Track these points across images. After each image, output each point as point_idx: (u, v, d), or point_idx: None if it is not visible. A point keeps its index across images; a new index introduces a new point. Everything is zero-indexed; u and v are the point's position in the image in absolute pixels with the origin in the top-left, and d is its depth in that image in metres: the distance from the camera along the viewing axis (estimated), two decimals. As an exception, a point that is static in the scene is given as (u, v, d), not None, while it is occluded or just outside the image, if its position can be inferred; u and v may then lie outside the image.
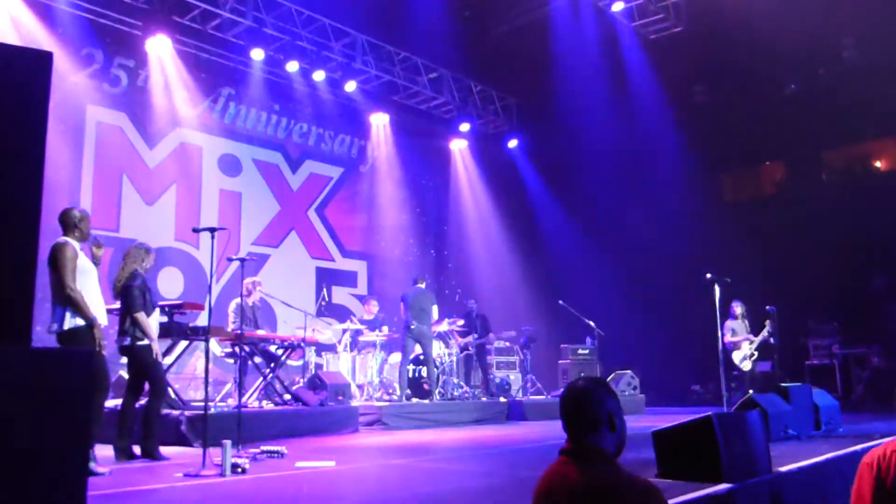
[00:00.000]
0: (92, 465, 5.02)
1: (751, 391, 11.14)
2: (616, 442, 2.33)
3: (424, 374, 10.65)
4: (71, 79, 10.88)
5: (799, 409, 6.74)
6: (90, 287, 5.50)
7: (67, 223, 5.53)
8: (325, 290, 12.14)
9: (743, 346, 11.15)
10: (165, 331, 7.51)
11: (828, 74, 13.98)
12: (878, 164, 14.77)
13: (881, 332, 12.66)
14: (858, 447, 5.37)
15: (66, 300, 5.33)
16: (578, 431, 2.32)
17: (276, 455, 6.12)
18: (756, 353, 11.15)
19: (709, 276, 8.25)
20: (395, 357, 10.96)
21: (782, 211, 14.45)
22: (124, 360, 6.55)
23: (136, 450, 6.11)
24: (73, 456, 2.21)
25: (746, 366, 11.27)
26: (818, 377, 12.84)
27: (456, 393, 11.16)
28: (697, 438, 4.19)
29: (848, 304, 13.29)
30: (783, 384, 7.06)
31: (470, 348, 12.08)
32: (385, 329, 11.03)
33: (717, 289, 8.23)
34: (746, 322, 11.16)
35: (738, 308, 11.27)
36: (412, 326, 10.39)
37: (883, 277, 13.15)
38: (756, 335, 10.88)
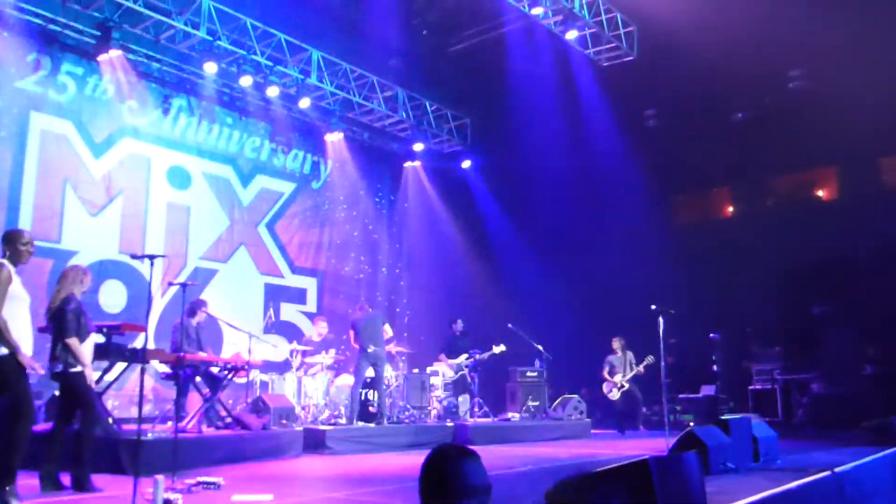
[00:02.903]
0: (13, 501, 4.82)
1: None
2: None
3: (371, 396, 10.54)
4: (15, 84, 10.60)
5: (738, 441, 6.83)
6: (21, 315, 5.30)
7: (13, 244, 5.33)
8: (271, 307, 11.95)
9: (616, 378, 12.49)
10: (103, 352, 7.32)
11: (774, 104, 14.32)
12: (820, 192, 15.15)
13: (821, 359, 12.96)
14: (793, 484, 5.46)
15: None
16: (449, 498, 2.34)
17: (212, 487, 5.97)
18: (626, 384, 12.43)
19: (654, 307, 8.36)
20: (342, 379, 10.83)
21: (729, 237, 14.72)
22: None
23: (66, 479, 5.89)
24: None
25: (614, 395, 12.58)
26: (760, 402, 13.12)
27: (403, 416, 11.07)
28: (633, 482, 4.19)
29: (790, 330, 13.59)
30: (724, 417, 7.16)
31: (464, 369, 12.29)
32: (332, 352, 10.90)
33: (661, 321, 8.35)
34: (628, 354, 12.56)
35: (616, 343, 12.75)
36: (369, 350, 10.29)
37: (823, 305, 13.47)
38: (636, 366, 12.37)
